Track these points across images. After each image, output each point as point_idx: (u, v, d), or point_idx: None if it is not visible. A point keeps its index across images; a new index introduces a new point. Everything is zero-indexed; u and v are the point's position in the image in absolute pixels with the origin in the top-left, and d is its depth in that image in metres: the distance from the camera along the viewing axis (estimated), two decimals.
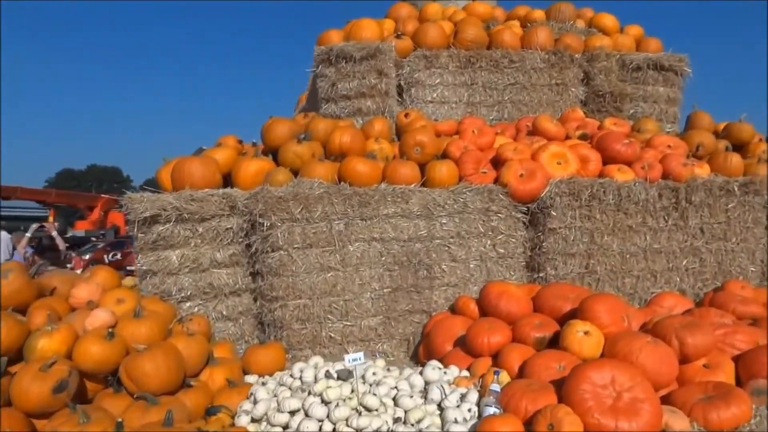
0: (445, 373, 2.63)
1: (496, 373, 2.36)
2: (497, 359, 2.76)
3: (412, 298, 3.54)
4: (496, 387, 2.28)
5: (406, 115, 4.41)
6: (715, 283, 3.93)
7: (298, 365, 2.69)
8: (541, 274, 3.69)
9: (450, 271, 3.60)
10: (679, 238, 3.88)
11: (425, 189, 3.54)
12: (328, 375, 2.44)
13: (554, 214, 3.62)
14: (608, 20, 5.47)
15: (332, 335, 3.39)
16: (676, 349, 2.60)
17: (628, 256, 3.81)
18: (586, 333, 2.64)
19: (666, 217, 3.84)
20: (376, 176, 3.58)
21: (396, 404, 2.34)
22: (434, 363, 2.73)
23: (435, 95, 4.75)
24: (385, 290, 3.47)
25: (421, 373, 2.57)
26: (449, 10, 5.60)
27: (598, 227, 3.72)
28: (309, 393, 2.35)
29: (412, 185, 3.52)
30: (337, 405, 2.24)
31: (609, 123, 4.57)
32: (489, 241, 3.65)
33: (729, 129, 4.79)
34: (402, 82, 4.70)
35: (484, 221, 3.63)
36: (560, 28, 5.36)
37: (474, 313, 3.33)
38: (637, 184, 3.75)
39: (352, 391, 2.34)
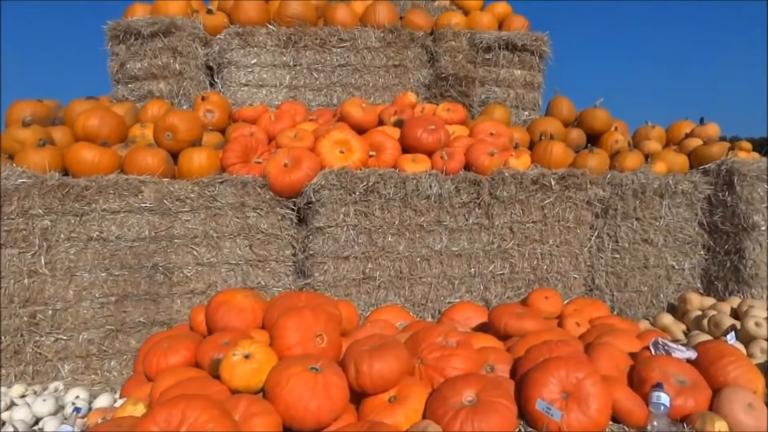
0: (74, 403, 2.13)
1: (76, 410, 1.86)
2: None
3: (147, 307, 3.05)
4: (66, 428, 1.78)
5: (203, 99, 3.91)
6: (529, 292, 3.40)
7: None
8: (308, 281, 3.18)
9: (196, 277, 3.10)
10: (484, 239, 3.36)
11: (162, 180, 3.04)
12: None
13: (321, 210, 3.11)
14: None
15: (40, 351, 2.91)
16: (353, 379, 2.10)
17: (418, 260, 3.29)
18: (247, 357, 2.13)
19: (467, 215, 3.32)
20: (109, 165, 3.08)
21: None
22: (74, 393, 2.23)
23: (251, 78, 4.24)
24: (111, 298, 2.98)
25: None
26: None
27: (378, 226, 3.20)
28: None
29: (145, 176, 3.02)
30: None
31: (442, 109, 4.04)
32: (245, 242, 3.15)
33: (582, 117, 4.25)
34: (212, 63, 4.20)
35: (238, 218, 3.13)
36: (414, 5, 4.83)
37: (201, 326, 2.83)
38: (429, 176, 3.23)
39: None
